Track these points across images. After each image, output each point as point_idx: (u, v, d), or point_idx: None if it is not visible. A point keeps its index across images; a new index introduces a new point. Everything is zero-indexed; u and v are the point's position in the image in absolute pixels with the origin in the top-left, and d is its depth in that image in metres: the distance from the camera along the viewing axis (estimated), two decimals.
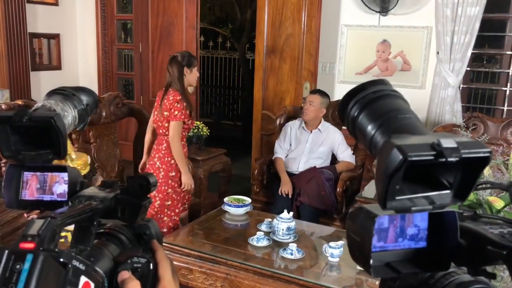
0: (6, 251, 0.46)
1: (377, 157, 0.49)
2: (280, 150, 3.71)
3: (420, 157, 0.44)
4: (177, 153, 3.08)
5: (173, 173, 3.14)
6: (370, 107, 0.54)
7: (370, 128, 0.53)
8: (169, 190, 3.13)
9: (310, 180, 3.40)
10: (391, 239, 0.52)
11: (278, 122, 4.01)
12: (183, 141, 3.20)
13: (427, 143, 0.45)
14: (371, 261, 0.50)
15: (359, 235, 0.50)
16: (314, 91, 3.70)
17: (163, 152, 3.15)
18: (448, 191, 0.49)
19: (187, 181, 3.13)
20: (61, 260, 0.48)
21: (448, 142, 0.44)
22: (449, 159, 0.44)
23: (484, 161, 0.46)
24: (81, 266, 0.50)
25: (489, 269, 0.50)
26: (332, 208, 3.40)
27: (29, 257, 0.45)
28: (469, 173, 0.48)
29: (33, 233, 0.48)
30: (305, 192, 3.38)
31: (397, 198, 0.47)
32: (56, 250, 0.48)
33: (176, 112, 3.04)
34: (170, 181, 3.13)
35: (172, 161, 3.12)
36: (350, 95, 0.56)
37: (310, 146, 3.61)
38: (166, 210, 3.15)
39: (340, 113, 0.58)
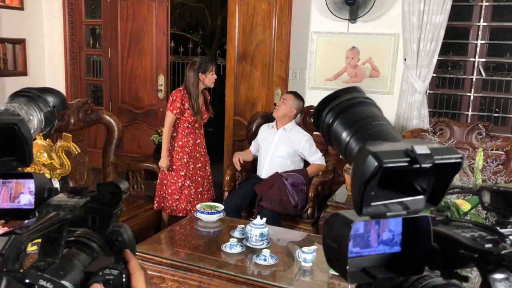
0: None
1: (352, 163, 0.49)
2: (252, 147, 3.89)
3: (395, 164, 0.45)
4: (163, 137, 3.65)
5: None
6: (345, 114, 0.55)
7: (345, 135, 0.53)
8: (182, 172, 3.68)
9: (272, 186, 3.42)
10: (366, 245, 0.52)
11: (249, 127, 4.02)
12: (184, 132, 3.65)
13: (401, 149, 0.46)
14: (348, 267, 0.50)
15: (335, 241, 0.50)
16: (290, 92, 3.79)
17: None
18: (421, 197, 0.50)
19: (161, 164, 3.62)
20: (27, 281, 0.45)
21: (421, 149, 0.45)
22: (423, 165, 0.45)
23: (456, 166, 0.47)
24: (49, 285, 0.47)
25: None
26: (294, 210, 3.39)
27: None
28: (441, 178, 0.49)
29: None
30: (267, 197, 3.39)
31: (373, 204, 0.47)
32: (21, 270, 0.46)
33: (168, 105, 3.58)
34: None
35: (178, 148, 3.67)
36: (325, 102, 0.57)
37: (275, 145, 3.64)
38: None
39: (315, 120, 0.59)
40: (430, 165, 0.46)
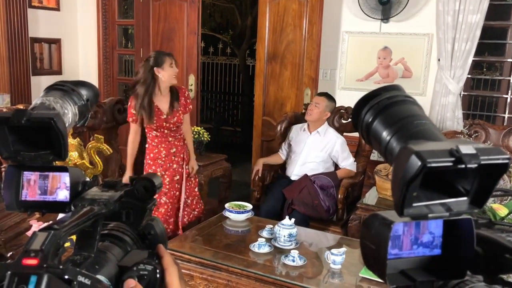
0: (9, 273, 0.44)
1: (393, 163, 0.48)
2: (281, 150, 3.83)
3: (439, 164, 0.43)
4: (127, 149, 3.31)
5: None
6: (385, 113, 0.53)
7: (385, 134, 0.52)
8: None
9: (302, 189, 3.38)
10: (405, 247, 0.51)
11: (278, 128, 4.01)
12: (154, 142, 3.28)
13: (446, 149, 0.44)
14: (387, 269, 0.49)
15: (374, 242, 0.49)
16: (321, 94, 3.72)
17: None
18: (465, 198, 0.48)
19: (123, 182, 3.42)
20: (66, 277, 0.46)
21: (467, 149, 0.44)
22: (469, 166, 0.44)
23: (503, 168, 0.45)
24: (87, 281, 0.48)
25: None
26: (326, 214, 3.36)
27: (33, 279, 0.44)
28: (486, 180, 0.47)
29: (36, 248, 0.46)
30: (299, 201, 3.35)
31: (414, 205, 0.46)
32: (60, 267, 0.46)
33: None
34: None
35: (150, 161, 3.33)
36: (364, 101, 0.56)
37: (308, 149, 3.60)
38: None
39: (353, 119, 0.58)
40: (476, 165, 0.44)
